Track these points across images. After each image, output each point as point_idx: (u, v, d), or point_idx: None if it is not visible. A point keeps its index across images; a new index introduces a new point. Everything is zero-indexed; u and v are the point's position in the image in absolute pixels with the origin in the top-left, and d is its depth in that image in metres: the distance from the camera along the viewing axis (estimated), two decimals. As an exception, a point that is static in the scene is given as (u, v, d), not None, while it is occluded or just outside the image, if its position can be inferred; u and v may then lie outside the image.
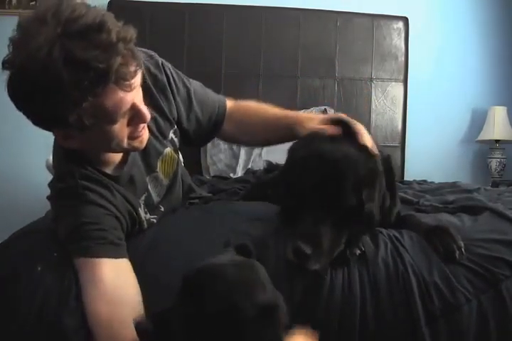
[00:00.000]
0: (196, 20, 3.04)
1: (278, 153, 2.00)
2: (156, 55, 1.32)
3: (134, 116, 1.03)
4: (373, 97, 3.13)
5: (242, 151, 2.64)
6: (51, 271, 1.05)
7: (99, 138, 1.05)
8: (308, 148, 1.14)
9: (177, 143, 1.36)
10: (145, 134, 1.11)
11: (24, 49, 0.92)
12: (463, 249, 1.07)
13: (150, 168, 1.26)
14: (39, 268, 1.06)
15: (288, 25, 3.11)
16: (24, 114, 0.99)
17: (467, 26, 3.38)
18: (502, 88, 3.40)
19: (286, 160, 1.21)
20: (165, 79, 1.29)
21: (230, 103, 1.46)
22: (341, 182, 1.05)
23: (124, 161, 1.18)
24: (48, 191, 1.16)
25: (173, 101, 1.30)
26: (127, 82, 0.95)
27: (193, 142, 1.45)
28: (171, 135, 1.32)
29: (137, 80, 0.99)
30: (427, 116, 3.32)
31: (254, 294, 0.82)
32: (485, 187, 1.82)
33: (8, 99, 0.97)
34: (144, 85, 1.24)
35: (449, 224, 1.22)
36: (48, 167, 2.32)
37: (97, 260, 1.01)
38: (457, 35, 3.38)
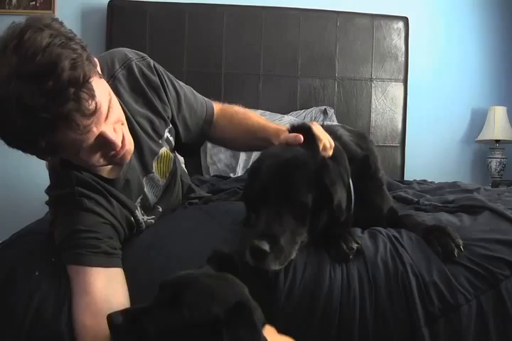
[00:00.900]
0: (196, 20, 3.04)
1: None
2: (148, 57, 1.31)
3: (103, 145, 1.01)
4: (373, 97, 3.14)
5: (242, 151, 2.64)
6: (48, 276, 1.05)
7: (73, 159, 1.06)
8: (262, 154, 1.19)
9: (173, 142, 1.35)
10: (127, 150, 1.08)
11: None
12: (461, 247, 1.07)
13: (146, 169, 1.26)
14: (37, 273, 1.06)
15: (288, 25, 3.11)
16: None
17: (467, 26, 3.38)
18: (502, 88, 3.40)
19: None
20: (157, 79, 1.29)
21: (216, 107, 1.46)
22: (290, 178, 1.06)
23: (116, 169, 1.18)
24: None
25: (166, 100, 1.30)
26: (81, 125, 0.92)
27: (183, 147, 1.44)
28: (167, 134, 1.32)
29: (101, 113, 0.96)
30: (427, 116, 3.32)
31: (226, 299, 0.84)
32: (485, 187, 1.82)
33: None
34: (137, 85, 1.25)
35: (447, 223, 1.22)
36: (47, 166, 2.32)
37: (88, 268, 1.01)
38: (457, 35, 3.38)
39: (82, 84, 0.90)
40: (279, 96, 3.07)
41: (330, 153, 1.16)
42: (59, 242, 1.06)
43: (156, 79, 1.28)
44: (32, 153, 1.00)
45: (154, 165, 1.28)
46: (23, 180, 3.02)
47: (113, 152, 1.04)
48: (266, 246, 0.98)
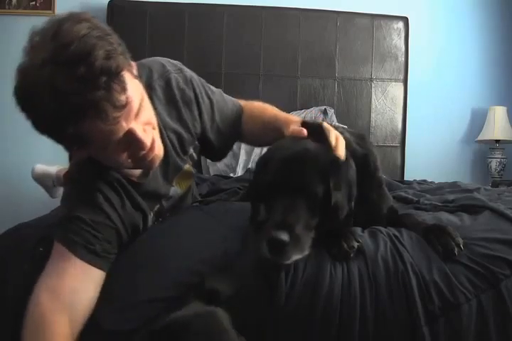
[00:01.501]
0: (196, 20, 3.04)
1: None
2: (185, 68, 1.32)
3: (132, 143, 1.01)
4: (373, 97, 3.14)
5: (242, 151, 2.64)
6: (37, 269, 1.04)
7: (100, 157, 1.06)
8: (273, 146, 1.19)
9: (195, 158, 1.36)
10: (156, 155, 1.08)
11: (27, 60, 0.93)
12: (461, 246, 1.07)
13: (167, 182, 1.26)
14: (25, 266, 1.06)
15: (288, 25, 3.11)
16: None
17: (467, 26, 3.39)
18: (502, 88, 3.40)
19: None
20: (192, 94, 1.29)
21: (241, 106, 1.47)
22: (303, 169, 1.06)
23: (145, 174, 1.18)
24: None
25: (197, 116, 1.30)
26: (111, 116, 0.93)
27: (215, 153, 1.45)
28: (191, 150, 1.33)
29: (131, 108, 0.97)
30: (427, 116, 3.32)
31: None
32: (485, 187, 1.82)
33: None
34: (173, 99, 1.25)
35: (447, 222, 1.22)
36: (34, 176, 2.31)
37: (73, 257, 1.01)
38: (457, 35, 3.38)
39: (115, 75, 0.92)
40: (279, 96, 3.07)
41: (343, 154, 1.15)
42: (62, 216, 1.06)
43: (190, 93, 1.29)
44: (59, 141, 1.00)
45: (175, 179, 1.29)
46: (23, 178, 3.02)
47: (142, 152, 1.04)
48: (285, 236, 0.97)
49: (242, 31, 3.07)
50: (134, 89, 0.99)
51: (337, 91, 3.11)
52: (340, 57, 3.13)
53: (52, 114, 0.91)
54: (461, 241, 1.08)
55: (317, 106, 3.01)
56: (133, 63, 1.03)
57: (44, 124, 0.95)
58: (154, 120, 1.08)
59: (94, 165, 1.09)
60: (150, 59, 1.31)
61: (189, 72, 1.33)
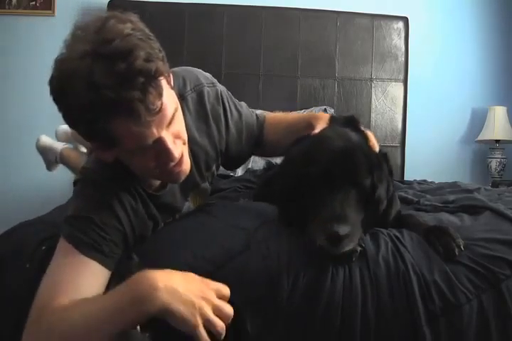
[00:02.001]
0: (196, 20, 3.04)
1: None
2: (216, 82, 1.31)
3: (161, 153, 1.00)
4: (373, 97, 3.14)
5: (243, 151, 2.63)
6: (39, 268, 1.04)
7: (125, 161, 1.05)
8: (313, 138, 1.19)
9: (215, 175, 1.36)
10: (182, 169, 1.07)
11: (67, 51, 0.93)
12: (462, 247, 1.07)
13: (184, 198, 1.26)
14: (27, 266, 1.06)
15: (288, 25, 3.11)
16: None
17: (467, 26, 3.39)
18: (502, 88, 3.41)
19: (291, 150, 1.22)
20: (221, 110, 1.29)
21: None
22: (355, 161, 1.08)
23: (162, 186, 1.17)
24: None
25: (224, 132, 1.30)
26: (143, 119, 0.92)
27: (231, 163, 1.46)
28: (214, 167, 1.32)
29: (165, 116, 0.96)
30: (427, 116, 3.32)
31: None
32: (485, 187, 1.82)
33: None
34: (203, 113, 1.24)
35: (448, 223, 1.22)
36: (38, 147, 2.31)
37: (82, 256, 1.00)
38: (457, 35, 3.38)
39: (152, 78, 0.92)
40: (279, 96, 3.07)
41: (377, 148, 1.18)
42: (71, 214, 1.05)
43: (219, 109, 1.28)
44: (89, 136, 0.99)
45: (191, 195, 1.29)
46: (23, 179, 3.03)
47: (171, 164, 1.02)
48: (346, 230, 0.98)
49: (242, 31, 3.07)
50: (170, 99, 0.98)
51: (337, 92, 3.11)
52: (340, 57, 3.13)
53: (85, 106, 0.90)
54: (461, 242, 1.08)
55: (317, 106, 3.01)
56: (171, 73, 1.02)
57: (75, 116, 0.94)
58: (185, 135, 1.06)
59: (115, 169, 1.08)
60: (183, 68, 1.29)
61: (220, 86, 1.32)
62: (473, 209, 1.34)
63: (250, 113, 1.42)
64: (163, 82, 0.96)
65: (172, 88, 1.02)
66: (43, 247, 1.08)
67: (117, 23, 0.93)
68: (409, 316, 1.00)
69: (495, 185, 2.95)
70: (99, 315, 0.90)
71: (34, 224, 1.21)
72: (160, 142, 0.98)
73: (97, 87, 0.88)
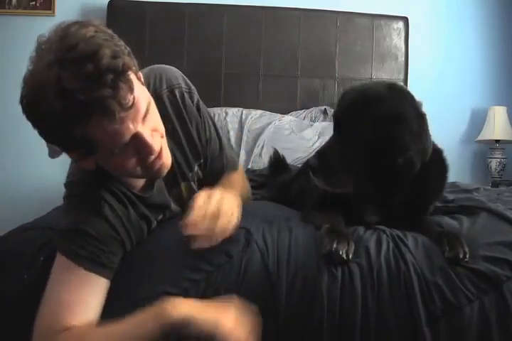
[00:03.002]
0: (196, 20, 3.04)
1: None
2: (195, 91, 1.29)
3: (140, 148, 1.00)
4: (373, 97, 3.13)
5: (242, 151, 2.64)
6: (36, 278, 1.04)
7: (107, 166, 1.04)
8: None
9: (201, 176, 1.33)
10: (163, 163, 1.06)
11: (34, 67, 0.93)
12: (467, 255, 1.06)
13: (169, 194, 1.25)
14: (25, 277, 1.05)
15: (288, 25, 3.11)
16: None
17: (467, 26, 3.39)
18: (502, 88, 3.40)
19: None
20: (199, 117, 1.28)
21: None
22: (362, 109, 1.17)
23: (149, 186, 1.16)
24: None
25: (205, 140, 1.29)
26: (117, 115, 0.92)
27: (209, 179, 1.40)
28: (196, 167, 1.30)
29: (138, 110, 0.96)
30: (427, 116, 3.32)
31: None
32: (484, 187, 1.82)
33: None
34: (179, 112, 1.23)
35: (447, 226, 1.22)
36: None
37: (82, 270, 0.99)
38: (457, 35, 3.38)
39: (121, 74, 0.92)
40: (279, 96, 3.07)
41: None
42: (64, 228, 1.04)
43: (197, 115, 1.27)
44: (67, 147, 0.99)
45: (173, 192, 1.27)
46: (22, 179, 3.02)
47: (151, 158, 1.02)
48: (314, 162, 1.15)
49: (242, 31, 3.07)
50: (141, 92, 0.98)
51: (337, 92, 3.10)
52: (340, 57, 3.13)
53: (59, 115, 0.90)
54: (467, 251, 1.06)
55: (317, 106, 3.01)
56: (139, 72, 1.02)
57: (51, 127, 0.94)
58: (162, 128, 1.06)
59: (98, 176, 1.08)
60: (162, 66, 1.28)
61: (198, 97, 1.30)
62: (472, 210, 1.34)
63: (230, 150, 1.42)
64: (133, 76, 0.96)
65: (143, 84, 1.02)
66: (41, 258, 1.06)
67: (79, 28, 0.92)
68: (410, 317, 1.00)
69: (495, 185, 2.95)
70: (122, 332, 0.93)
71: (31, 228, 1.20)
72: (137, 137, 0.97)
73: (67, 93, 0.88)
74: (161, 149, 1.03)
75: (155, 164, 1.04)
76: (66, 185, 1.13)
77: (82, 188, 1.09)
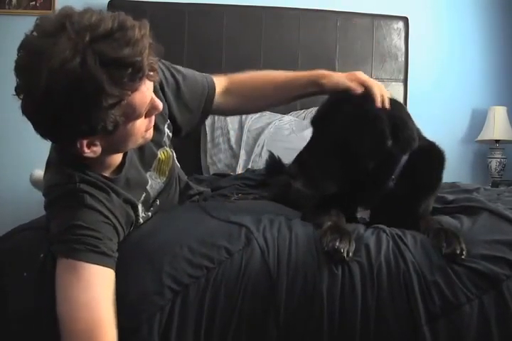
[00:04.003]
0: (196, 20, 3.04)
1: (278, 153, 2.02)
2: None
3: (151, 108, 1.07)
4: (373, 97, 3.13)
5: (242, 151, 2.64)
6: (36, 275, 1.05)
7: (120, 139, 1.06)
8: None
9: (171, 138, 1.36)
10: (152, 126, 1.14)
11: (46, 68, 0.91)
12: (464, 252, 1.06)
13: (146, 167, 1.26)
14: (25, 274, 1.05)
15: (288, 25, 3.11)
16: (45, 132, 1.00)
17: (467, 26, 3.38)
18: (502, 88, 3.40)
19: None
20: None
21: (222, 80, 1.48)
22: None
23: (121, 164, 1.18)
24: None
25: (163, 97, 1.29)
26: (153, 73, 1.01)
27: (185, 131, 1.42)
28: (166, 130, 1.32)
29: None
30: (427, 116, 3.31)
31: None
32: (484, 187, 1.82)
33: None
34: None
35: (447, 225, 1.22)
36: (32, 181, 2.30)
37: (87, 265, 0.99)
38: (457, 35, 3.38)
39: (148, 36, 1.03)
40: (279, 96, 3.06)
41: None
42: (55, 233, 1.05)
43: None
44: (91, 133, 0.99)
45: (154, 163, 1.29)
46: (22, 179, 3.02)
47: (153, 118, 1.10)
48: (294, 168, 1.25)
49: (242, 31, 3.07)
50: None
51: (337, 92, 3.10)
52: (340, 57, 3.13)
53: (112, 88, 0.93)
54: (464, 248, 1.07)
55: (317, 106, 3.00)
56: None
57: (94, 110, 0.95)
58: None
59: (74, 168, 1.09)
60: None
61: None
62: (472, 210, 1.34)
63: (195, 78, 1.42)
64: None
65: None
66: (41, 255, 1.06)
67: (82, 14, 0.97)
68: (409, 316, 1.00)
69: (495, 185, 2.94)
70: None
71: (30, 228, 1.20)
72: (151, 101, 1.06)
73: (118, 61, 0.93)
74: None
75: (151, 125, 1.12)
76: (44, 193, 1.14)
77: (59, 189, 1.09)
